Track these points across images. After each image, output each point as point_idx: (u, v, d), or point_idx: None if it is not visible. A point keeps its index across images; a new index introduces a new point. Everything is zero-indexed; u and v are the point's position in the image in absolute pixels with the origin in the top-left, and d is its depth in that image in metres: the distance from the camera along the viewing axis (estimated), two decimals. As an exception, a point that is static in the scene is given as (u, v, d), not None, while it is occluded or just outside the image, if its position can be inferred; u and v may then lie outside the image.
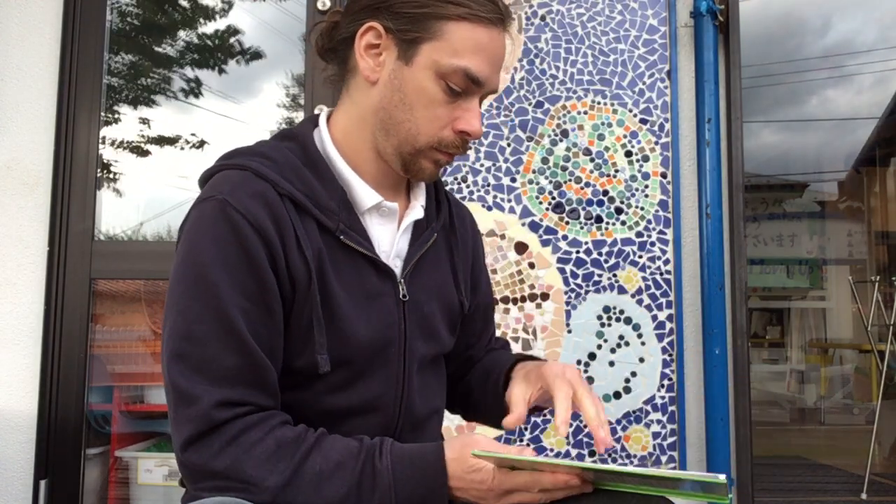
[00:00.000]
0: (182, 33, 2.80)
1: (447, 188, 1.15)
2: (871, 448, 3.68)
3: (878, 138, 7.23)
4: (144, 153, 2.75)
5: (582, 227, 2.15)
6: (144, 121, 2.71)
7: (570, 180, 2.16)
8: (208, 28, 2.81)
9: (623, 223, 2.14)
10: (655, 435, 2.09)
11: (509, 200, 2.16)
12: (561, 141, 2.17)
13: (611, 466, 0.81)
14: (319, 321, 0.92)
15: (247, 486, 0.84)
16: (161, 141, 2.79)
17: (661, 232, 2.14)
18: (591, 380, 2.11)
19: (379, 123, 0.97)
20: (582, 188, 2.16)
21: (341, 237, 0.95)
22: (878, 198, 7.49)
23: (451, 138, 0.96)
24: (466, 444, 0.86)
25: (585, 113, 2.18)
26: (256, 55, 2.82)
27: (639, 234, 2.14)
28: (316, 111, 1.05)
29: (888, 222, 7.40)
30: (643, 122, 2.17)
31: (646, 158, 2.15)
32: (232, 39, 2.80)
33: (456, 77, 0.93)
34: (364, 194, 0.98)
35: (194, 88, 2.77)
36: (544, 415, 2.07)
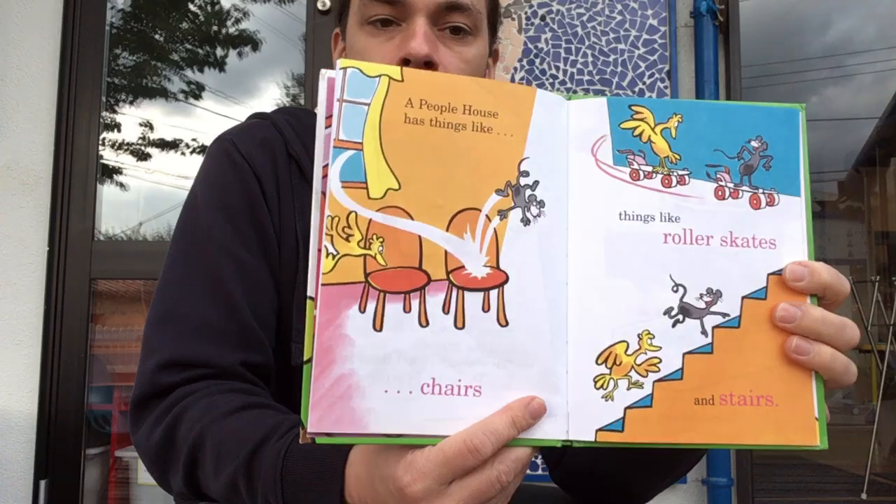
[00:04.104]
0: (182, 33, 2.80)
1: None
2: (871, 448, 3.68)
3: (878, 138, 7.24)
4: (144, 153, 2.75)
5: (582, 227, 2.14)
6: (145, 121, 2.71)
7: (570, 180, 2.16)
8: (208, 27, 2.81)
9: (623, 223, 2.14)
10: (655, 435, 2.08)
11: (509, 200, 2.15)
12: (561, 141, 2.17)
13: None
14: (300, 306, 0.83)
15: (159, 472, 0.76)
16: (161, 141, 2.79)
17: (661, 232, 2.14)
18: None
19: None
20: (582, 188, 2.15)
21: None
22: (878, 198, 7.49)
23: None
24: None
25: (585, 113, 2.17)
26: (256, 55, 2.82)
27: (639, 234, 2.14)
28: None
29: (888, 222, 7.41)
30: (643, 122, 2.16)
31: (646, 158, 2.15)
32: (232, 39, 2.80)
33: (368, 9, 0.88)
34: None
35: (194, 89, 2.77)
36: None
